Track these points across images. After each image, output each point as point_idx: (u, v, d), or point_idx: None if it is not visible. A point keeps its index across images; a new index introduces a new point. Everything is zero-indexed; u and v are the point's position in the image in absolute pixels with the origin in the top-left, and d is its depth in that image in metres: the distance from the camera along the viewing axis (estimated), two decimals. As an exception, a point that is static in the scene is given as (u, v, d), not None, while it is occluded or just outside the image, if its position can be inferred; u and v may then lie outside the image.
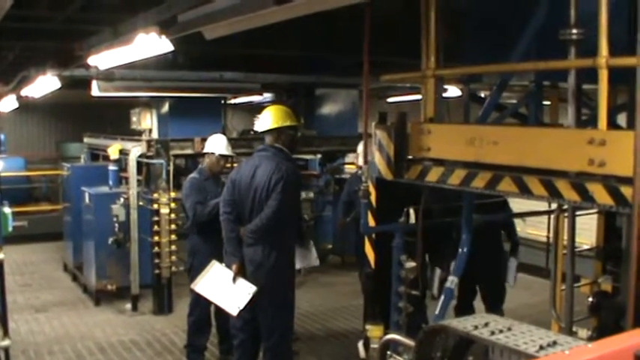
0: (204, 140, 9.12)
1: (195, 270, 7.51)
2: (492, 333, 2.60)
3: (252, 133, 14.89)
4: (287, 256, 6.67)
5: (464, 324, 2.71)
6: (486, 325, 2.68)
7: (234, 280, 6.52)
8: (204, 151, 8.03)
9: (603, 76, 3.69)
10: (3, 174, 16.36)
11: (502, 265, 7.78)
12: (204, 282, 6.85)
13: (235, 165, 8.79)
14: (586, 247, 7.39)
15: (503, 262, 7.83)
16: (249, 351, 6.84)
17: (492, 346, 2.56)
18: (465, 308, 7.88)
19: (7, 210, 7.83)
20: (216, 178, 7.92)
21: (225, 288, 6.59)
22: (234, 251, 6.56)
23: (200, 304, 7.54)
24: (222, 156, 7.85)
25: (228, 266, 6.61)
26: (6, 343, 5.97)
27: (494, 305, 7.80)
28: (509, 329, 2.63)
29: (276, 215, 6.36)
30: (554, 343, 2.48)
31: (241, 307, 6.43)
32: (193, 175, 7.98)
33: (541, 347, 2.44)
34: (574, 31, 4.01)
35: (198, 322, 7.79)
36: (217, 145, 7.87)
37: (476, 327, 2.67)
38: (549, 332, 2.66)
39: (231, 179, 6.72)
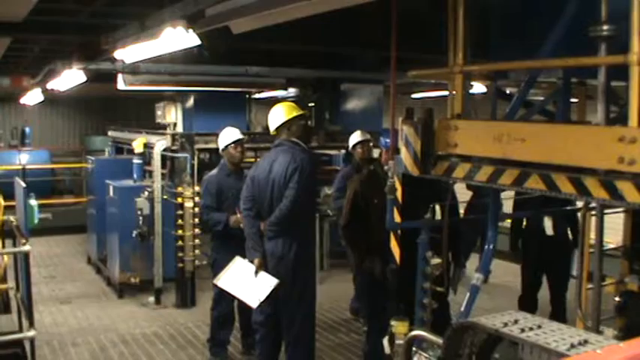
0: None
1: (218, 265, 7.56)
2: (522, 330, 2.58)
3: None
4: (307, 249, 6.75)
5: (493, 321, 2.70)
6: (516, 322, 2.66)
7: (256, 273, 6.60)
8: (221, 146, 7.98)
9: (635, 73, 3.64)
10: (28, 166, 16.61)
11: (570, 256, 8.21)
12: (226, 277, 6.95)
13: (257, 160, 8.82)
14: (612, 246, 7.34)
15: (570, 252, 8.27)
16: (271, 345, 6.86)
17: (522, 344, 2.54)
18: (529, 298, 8.45)
19: (34, 202, 7.91)
20: (239, 173, 7.90)
21: (246, 282, 6.67)
22: (255, 246, 6.65)
23: (224, 298, 7.58)
24: (227, 147, 7.86)
25: (250, 261, 6.70)
26: (31, 333, 6.01)
27: (560, 294, 8.34)
28: (539, 327, 2.61)
29: (294, 205, 6.44)
30: (585, 341, 2.45)
31: (262, 300, 6.50)
32: (211, 173, 7.98)
33: (572, 346, 2.42)
34: (605, 27, 3.96)
35: (221, 316, 7.82)
36: (221, 139, 7.90)
37: (505, 324, 2.65)
38: (580, 331, 2.64)
39: (250, 176, 6.84)
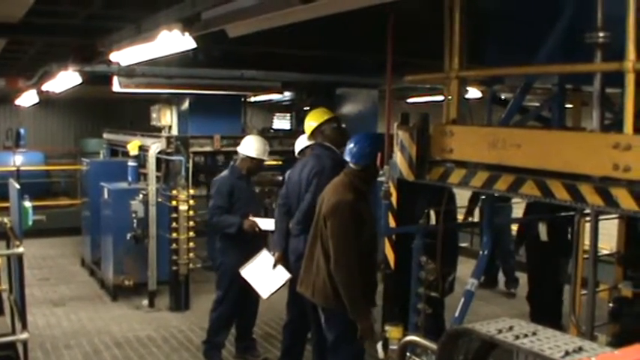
0: (223, 138, 9.13)
1: (224, 268, 7.61)
2: (517, 337, 2.57)
3: (271, 131, 14.87)
4: None
5: (487, 327, 2.69)
6: (511, 329, 2.65)
7: (274, 266, 7.03)
8: (248, 154, 7.81)
9: (630, 79, 3.65)
10: (23, 168, 16.58)
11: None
12: (250, 267, 7.31)
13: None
14: (606, 252, 7.36)
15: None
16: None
17: (517, 351, 2.54)
18: (535, 297, 8.82)
19: (28, 204, 7.90)
20: (248, 177, 7.88)
21: (264, 273, 7.12)
22: (279, 240, 7.04)
23: (225, 301, 7.60)
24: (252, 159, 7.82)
25: (272, 254, 7.15)
26: (24, 336, 5.98)
27: (553, 300, 8.44)
28: (534, 334, 2.60)
29: (309, 207, 6.53)
30: (580, 349, 2.45)
31: (272, 292, 7.03)
32: (223, 175, 7.91)
33: (567, 353, 2.41)
34: (600, 34, 3.97)
35: (220, 318, 7.78)
36: (250, 147, 7.85)
37: (500, 331, 2.64)
38: (574, 338, 2.63)
39: (287, 175, 7.29)
